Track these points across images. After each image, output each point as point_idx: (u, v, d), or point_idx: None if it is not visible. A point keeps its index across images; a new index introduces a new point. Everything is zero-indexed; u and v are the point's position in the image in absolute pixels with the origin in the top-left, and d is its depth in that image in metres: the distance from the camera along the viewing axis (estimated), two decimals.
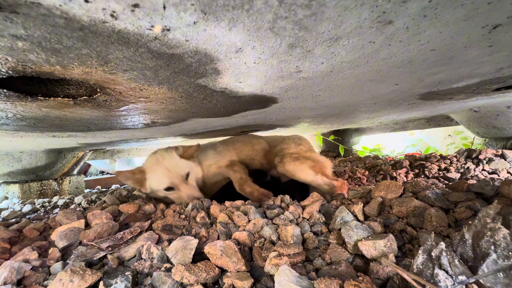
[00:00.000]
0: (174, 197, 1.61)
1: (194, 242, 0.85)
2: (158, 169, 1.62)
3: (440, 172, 1.78)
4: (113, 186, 3.65)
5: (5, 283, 0.77)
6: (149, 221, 1.12)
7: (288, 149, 1.75)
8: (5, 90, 0.70)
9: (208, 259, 0.78)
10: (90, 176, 4.48)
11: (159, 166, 1.63)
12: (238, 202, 1.23)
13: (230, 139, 2.05)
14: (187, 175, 1.65)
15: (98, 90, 0.77)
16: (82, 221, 1.11)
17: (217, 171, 1.81)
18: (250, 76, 0.77)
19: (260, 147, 1.94)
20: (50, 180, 2.66)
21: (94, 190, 3.18)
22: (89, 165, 4.65)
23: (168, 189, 1.59)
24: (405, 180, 1.77)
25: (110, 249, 0.92)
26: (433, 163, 1.93)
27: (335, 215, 0.96)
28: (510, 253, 0.56)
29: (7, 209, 1.99)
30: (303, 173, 1.53)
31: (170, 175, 1.60)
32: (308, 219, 1.03)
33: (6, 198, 2.48)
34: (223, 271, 0.75)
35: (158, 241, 0.96)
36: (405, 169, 1.92)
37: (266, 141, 2.01)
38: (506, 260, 0.55)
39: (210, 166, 1.82)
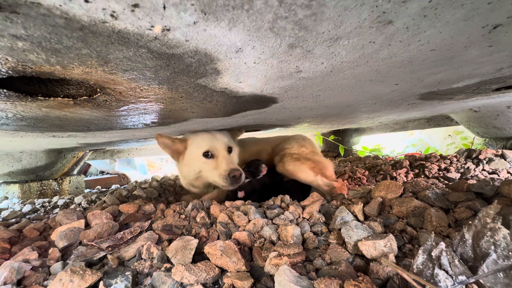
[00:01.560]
0: (209, 171, 1.52)
1: (194, 242, 0.85)
2: (203, 134, 1.62)
3: (440, 172, 1.78)
4: (113, 186, 3.65)
5: (5, 283, 0.77)
6: (149, 221, 1.12)
7: (290, 149, 1.75)
8: (5, 90, 0.70)
9: (208, 259, 0.78)
10: (90, 176, 4.48)
11: (206, 132, 1.64)
12: (238, 202, 1.23)
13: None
14: (231, 148, 1.63)
15: (98, 90, 0.77)
16: (82, 221, 1.11)
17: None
18: (250, 76, 0.77)
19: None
20: (50, 180, 2.66)
21: (94, 190, 3.18)
22: (89, 165, 4.65)
23: (207, 155, 1.53)
24: (405, 180, 1.77)
25: (110, 249, 0.92)
26: (433, 163, 1.93)
27: (335, 215, 0.96)
28: (510, 253, 0.56)
29: (7, 209, 1.99)
30: (303, 173, 1.54)
31: (213, 140, 1.58)
32: (308, 219, 1.03)
33: (6, 198, 2.48)
34: (223, 271, 0.75)
35: (158, 241, 0.96)
36: (405, 169, 1.92)
37: (270, 141, 2.02)
38: (506, 260, 0.55)
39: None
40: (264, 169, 1.60)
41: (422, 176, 1.80)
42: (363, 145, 3.81)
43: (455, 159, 1.98)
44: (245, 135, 2.11)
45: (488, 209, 0.64)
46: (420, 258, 0.60)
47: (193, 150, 1.58)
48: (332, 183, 1.49)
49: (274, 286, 0.66)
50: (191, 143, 1.60)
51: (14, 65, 0.56)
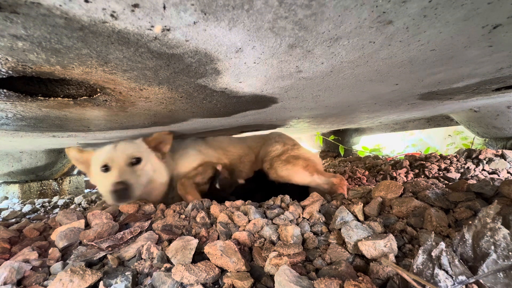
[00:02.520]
0: (102, 189, 1.35)
1: (194, 242, 0.85)
2: (106, 146, 1.43)
3: (440, 172, 1.78)
4: None
5: (5, 283, 0.77)
6: (149, 221, 1.12)
7: (275, 152, 1.67)
8: (5, 90, 0.70)
9: (208, 259, 0.78)
10: None
11: (111, 143, 1.45)
12: (238, 202, 1.23)
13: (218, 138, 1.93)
14: (137, 159, 1.39)
15: (98, 90, 0.77)
16: (82, 221, 1.11)
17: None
18: (250, 76, 0.77)
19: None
20: (50, 180, 2.66)
21: (94, 190, 3.18)
22: None
23: (105, 169, 1.35)
24: (405, 180, 1.77)
25: (110, 249, 0.92)
26: (433, 163, 1.93)
27: (335, 215, 0.96)
28: (510, 253, 0.56)
29: (7, 209, 1.99)
30: (299, 176, 1.48)
31: (112, 151, 1.37)
32: (308, 219, 1.03)
33: (6, 198, 2.48)
34: (223, 271, 0.75)
35: (158, 241, 0.96)
36: (405, 169, 1.92)
37: (247, 143, 1.90)
38: (506, 260, 0.55)
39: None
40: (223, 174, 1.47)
41: (422, 176, 1.80)
42: (363, 145, 3.81)
43: (455, 159, 1.98)
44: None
45: (488, 209, 0.64)
46: (420, 258, 0.60)
47: (94, 163, 1.41)
48: (331, 179, 1.43)
49: (274, 286, 0.66)
50: (94, 157, 1.42)
51: (14, 65, 0.56)
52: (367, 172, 2.06)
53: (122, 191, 1.23)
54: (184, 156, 1.69)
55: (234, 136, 2.13)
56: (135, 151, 1.43)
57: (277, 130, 2.49)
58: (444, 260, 0.58)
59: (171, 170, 1.58)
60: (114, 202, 1.28)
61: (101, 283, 0.72)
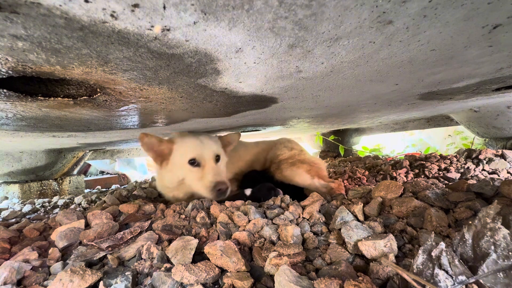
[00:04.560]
0: (193, 181, 1.41)
1: (194, 242, 0.85)
2: (190, 138, 1.49)
3: (440, 172, 1.78)
4: (113, 186, 3.65)
5: (5, 283, 0.77)
6: (149, 221, 1.12)
7: (283, 155, 1.77)
8: (5, 90, 0.70)
9: (208, 259, 0.78)
10: (90, 176, 4.48)
11: (192, 137, 1.50)
12: (238, 202, 1.23)
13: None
14: (219, 157, 1.51)
15: (98, 90, 0.77)
16: (82, 221, 1.11)
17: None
18: (250, 76, 0.77)
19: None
20: (50, 180, 2.66)
21: (94, 190, 3.18)
22: (89, 165, 4.65)
23: (193, 163, 1.42)
24: (405, 180, 1.77)
25: (110, 249, 0.92)
26: (433, 163, 1.93)
27: (335, 215, 0.96)
28: (510, 253, 0.56)
29: (7, 209, 1.99)
30: (301, 177, 1.56)
31: (201, 147, 1.45)
32: (308, 219, 1.03)
33: (6, 198, 2.48)
34: (223, 271, 0.75)
35: (158, 241, 0.96)
36: (405, 169, 1.92)
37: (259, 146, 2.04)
38: (506, 260, 0.55)
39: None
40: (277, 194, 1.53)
41: (422, 176, 1.80)
42: (363, 145, 3.81)
43: (455, 159, 1.98)
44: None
45: (488, 209, 0.64)
46: (420, 258, 0.60)
47: (179, 155, 1.45)
48: (329, 184, 1.51)
49: (274, 286, 0.66)
50: (177, 148, 1.47)
51: (14, 65, 0.56)
52: (367, 172, 2.06)
53: (226, 190, 1.37)
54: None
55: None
56: (217, 149, 1.53)
57: (278, 128, 2.49)
58: (444, 260, 0.58)
59: None
60: (214, 198, 1.37)
61: (101, 283, 0.72)
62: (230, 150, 1.71)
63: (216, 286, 0.72)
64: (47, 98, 0.78)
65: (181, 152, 1.45)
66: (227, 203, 1.21)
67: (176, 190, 1.53)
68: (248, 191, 1.46)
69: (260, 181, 1.58)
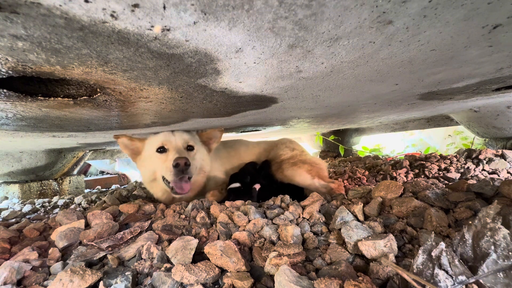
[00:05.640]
0: (159, 166, 1.43)
1: (194, 242, 0.85)
2: (162, 132, 1.57)
3: (440, 172, 1.78)
4: (113, 186, 3.65)
5: (5, 283, 0.77)
6: (149, 221, 1.12)
7: (285, 155, 1.81)
8: (5, 90, 0.70)
9: (208, 259, 0.78)
10: (90, 176, 4.48)
11: (166, 131, 1.58)
12: (238, 202, 1.23)
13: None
14: (191, 147, 1.54)
15: (98, 90, 0.77)
16: (82, 221, 1.11)
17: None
18: (250, 76, 0.77)
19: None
20: (50, 180, 2.66)
21: (94, 190, 3.18)
22: (89, 165, 4.65)
23: (161, 150, 1.46)
24: (405, 180, 1.77)
25: (110, 249, 0.92)
26: (433, 163, 1.93)
27: (335, 215, 0.96)
28: (510, 253, 0.56)
29: (7, 209, 1.99)
30: (301, 177, 1.58)
31: (169, 135, 1.51)
32: (308, 219, 1.03)
33: (6, 198, 2.48)
34: (223, 271, 0.75)
35: (158, 241, 0.96)
36: (405, 169, 1.92)
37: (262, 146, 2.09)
38: (506, 260, 0.55)
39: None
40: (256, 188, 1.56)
41: (422, 176, 1.79)
42: (363, 145, 3.81)
43: (455, 159, 1.98)
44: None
45: (488, 209, 0.64)
46: (420, 258, 0.60)
47: (148, 147, 1.52)
48: (329, 184, 1.51)
49: (274, 286, 0.66)
50: (148, 142, 1.55)
51: (14, 65, 0.56)
52: (367, 172, 2.06)
53: (185, 166, 1.34)
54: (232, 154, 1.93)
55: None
56: (190, 139, 1.57)
57: (278, 128, 2.49)
58: (444, 260, 0.58)
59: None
60: (174, 177, 1.37)
61: (101, 283, 0.72)
62: (215, 146, 1.74)
63: (216, 286, 0.72)
64: (47, 98, 0.78)
65: (151, 144, 1.53)
66: (227, 203, 1.22)
67: (153, 188, 1.59)
68: (257, 186, 1.49)
69: (255, 174, 1.62)
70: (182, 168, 1.35)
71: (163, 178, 1.46)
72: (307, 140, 4.21)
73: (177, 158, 1.34)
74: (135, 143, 1.57)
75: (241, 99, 1.04)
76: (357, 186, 1.72)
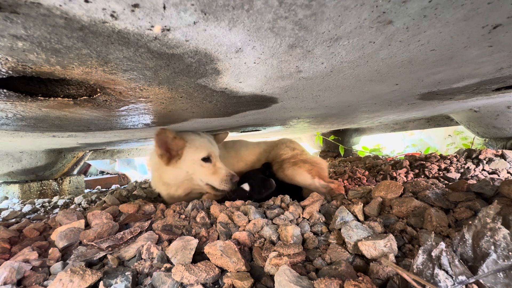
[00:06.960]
0: (206, 176, 1.54)
1: (194, 242, 0.85)
2: (199, 137, 1.62)
3: (440, 172, 1.78)
4: (113, 186, 3.65)
5: (5, 283, 0.77)
6: (149, 221, 1.12)
7: (285, 155, 1.82)
8: (5, 90, 0.70)
9: (208, 259, 0.78)
10: (90, 176, 4.49)
11: (201, 136, 1.64)
12: (238, 202, 1.23)
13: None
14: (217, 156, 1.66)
15: (98, 90, 0.77)
16: (82, 221, 1.11)
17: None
18: (250, 76, 0.77)
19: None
20: (50, 180, 2.66)
21: (94, 190, 3.18)
22: (89, 165, 4.65)
23: (205, 159, 1.56)
24: (405, 180, 1.77)
25: (110, 249, 0.92)
26: (433, 163, 1.93)
27: (335, 215, 0.96)
28: (510, 253, 0.56)
29: (7, 209, 1.99)
30: (301, 177, 1.58)
31: (211, 145, 1.61)
32: (308, 219, 1.03)
33: (6, 198, 2.48)
34: (223, 271, 0.75)
35: (158, 241, 0.96)
36: (405, 169, 1.92)
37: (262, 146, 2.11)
38: (506, 260, 0.55)
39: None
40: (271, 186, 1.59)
41: (422, 176, 1.80)
42: (363, 145, 3.81)
43: (455, 159, 1.98)
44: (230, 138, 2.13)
45: (488, 209, 0.64)
46: (420, 258, 0.60)
47: (191, 153, 1.54)
48: (329, 185, 1.52)
49: (274, 286, 0.66)
50: (189, 146, 1.56)
51: (14, 65, 0.56)
52: (367, 172, 2.06)
53: (237, 181, 1.54)
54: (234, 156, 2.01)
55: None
56: (218, 147, 1.71)
57: (278, 128, 2.49)
58: (444, 260, 0.58)
59: None
60: (228, 188, 1.53)
61: (101, 283, 0.72)
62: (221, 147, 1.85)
63: (216, 286, 0.72)
64: (47, 98, 0.78)
65: (194, 150, 1.56)
66: (227, 203, 1.22)
67: (176, 187, 1.62)
68: (246, 186, 1.53)
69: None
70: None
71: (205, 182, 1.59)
72: (307, 140, 4.21)
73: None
74: (177, 142, 1.53)
75: (241, 99, 1.04)
76: (357, 186, 1.72)
